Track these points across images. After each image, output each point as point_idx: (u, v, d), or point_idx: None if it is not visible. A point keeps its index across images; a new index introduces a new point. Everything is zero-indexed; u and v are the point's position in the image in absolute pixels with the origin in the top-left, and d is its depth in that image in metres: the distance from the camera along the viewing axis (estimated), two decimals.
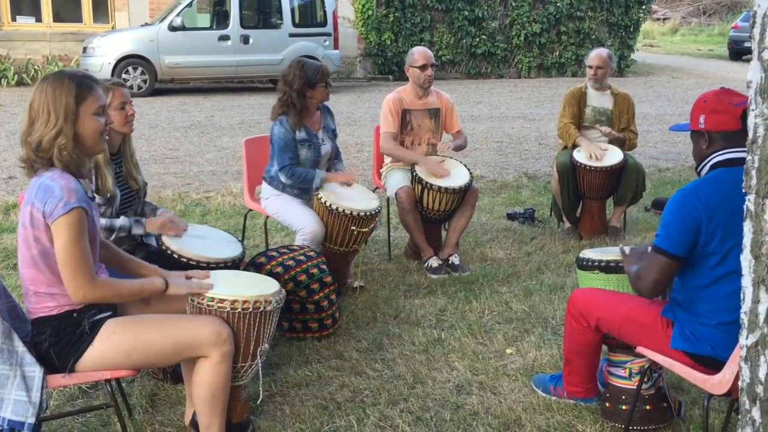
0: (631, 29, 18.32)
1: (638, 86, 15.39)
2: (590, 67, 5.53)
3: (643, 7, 18.55)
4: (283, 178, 4.28)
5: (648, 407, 3.01)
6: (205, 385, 2.62)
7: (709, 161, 2.62)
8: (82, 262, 2.42)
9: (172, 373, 3.28)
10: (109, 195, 3.26)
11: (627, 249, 2.93)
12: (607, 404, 3.09)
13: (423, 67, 4.84)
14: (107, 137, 2.65)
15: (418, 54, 4.88)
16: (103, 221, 3.23)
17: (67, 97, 2.45)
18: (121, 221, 3.30)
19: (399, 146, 4.89)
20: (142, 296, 2.63)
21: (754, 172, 1.99)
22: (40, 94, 2.47)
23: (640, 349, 2.83)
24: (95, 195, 3.23)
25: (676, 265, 2.59)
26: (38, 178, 2.47)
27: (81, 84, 2.49)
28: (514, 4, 17.04)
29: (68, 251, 2.40)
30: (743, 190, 2.05)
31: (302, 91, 4.22)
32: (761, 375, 2.01)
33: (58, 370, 2.53)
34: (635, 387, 2.97)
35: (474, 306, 4.25)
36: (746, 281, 2.06)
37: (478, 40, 16.87)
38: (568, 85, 6.00)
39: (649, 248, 2.73)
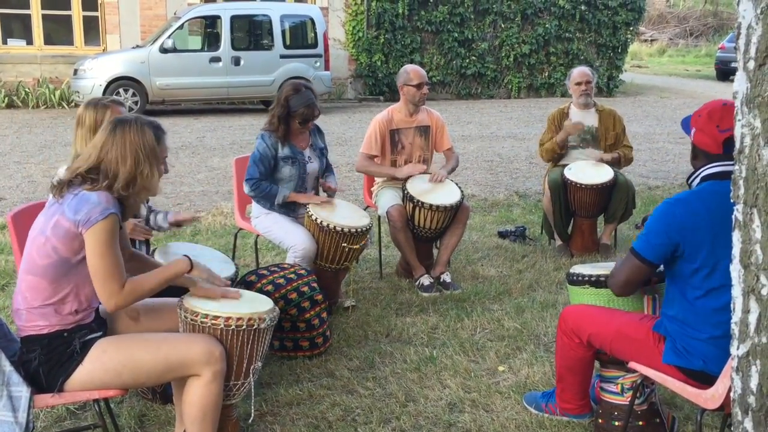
0: (619, 50, 18.50)
1: (627, 106, 15.51)
2: (578, 83, 5.54)
3: (631, 28, 18.76)
4: (246, 189, 4.31)
5: (641, 423, 3.00)
6: (195, 404, 2.59)
7: (699, 173, 2.65)
8: (114, 268, 2.45)
9: (161, 393, 3.25)
10: None
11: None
12: (600, 421, 3.08)
13: (419, 86, 4.87)
14: None
15: (413, 73, 4.91)
16: None
17: (152, 141, 2.56)
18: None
19: (372, 163, 4.93)
20: (170, 281, 2.65)
21: (741, 182, 2.00)
22: (121, 137, 2.53)
23: (632, 365, 2.82)
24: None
25: (647, 270, 2.67)
26: (70, 193, 2.49)
27: (157, 130, 2.61)
28: (503, 25, 17.20)
29: (103, 257, 2.43)
30: (731, 200, 2.06)
31: (285, 118, 4.27)
32: (753, 385, 2.00)
33: (46, 389, 2.51)
34: (628, 403, 2.96)
35: (466, 324, 4.24)
36: (736, 291, 2.06)
37: (467, 61, 17.00)
38: (557, 105, 6.02)
39: None
